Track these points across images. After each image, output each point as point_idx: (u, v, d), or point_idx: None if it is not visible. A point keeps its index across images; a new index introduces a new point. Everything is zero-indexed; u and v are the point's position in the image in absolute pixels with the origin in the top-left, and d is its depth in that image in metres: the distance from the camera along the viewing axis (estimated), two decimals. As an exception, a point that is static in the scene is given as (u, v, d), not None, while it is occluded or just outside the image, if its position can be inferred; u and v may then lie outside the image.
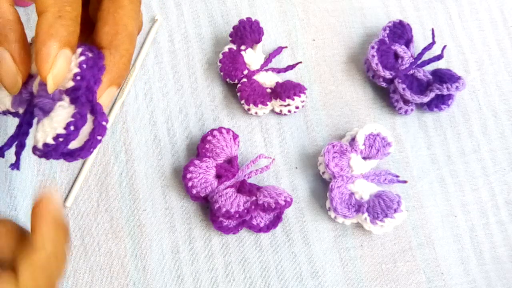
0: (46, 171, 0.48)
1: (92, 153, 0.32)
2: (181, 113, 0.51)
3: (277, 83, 0.50)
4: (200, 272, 0.46)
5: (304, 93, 0.50)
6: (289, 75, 0.52)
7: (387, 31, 0.52)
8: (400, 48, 0.51)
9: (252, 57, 0.51)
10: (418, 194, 0.49)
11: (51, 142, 0.29)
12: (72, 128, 0.29)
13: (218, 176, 0.47)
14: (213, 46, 0.53)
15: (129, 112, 0.50)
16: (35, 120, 0.31)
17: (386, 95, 0.52)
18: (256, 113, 0.50)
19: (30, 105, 0.31)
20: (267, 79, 0.51)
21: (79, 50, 0.30)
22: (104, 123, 0.30)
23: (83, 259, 0.46)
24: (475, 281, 0.47)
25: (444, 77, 0.50)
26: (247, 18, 0.51)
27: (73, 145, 0.30)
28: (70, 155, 0.30)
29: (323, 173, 0.48)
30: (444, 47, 0.52)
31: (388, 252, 0.48)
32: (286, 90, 0.49)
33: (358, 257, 0.47)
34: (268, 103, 0.49)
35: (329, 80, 0.53)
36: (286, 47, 0.53)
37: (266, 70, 0.51)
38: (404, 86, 0.50)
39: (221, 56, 0.51)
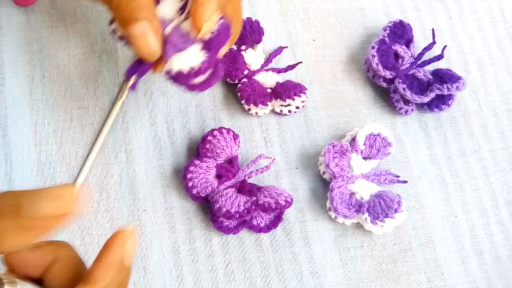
0: (46, 172, 0.48)
1: (209, 88, 0.40)
2: (181, 113, 0.51)
3: (277, 83, 0.50)
4: (200, 272, 0.46)
5: (305, 93, 0.50)
6: (289, 75, 0.52)
7: (388, 31, 0.52)
8: (400, 48, 0.51)
9: (253, 57, 0.51)
10: (419, 194, 0.49)
11: (185, 71, 0.38)
12: (204, 66, 0.38)
13: (219, 176, 0.47)
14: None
15: (129, 112, 0.50)
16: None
17: (387, 95, 0.52)
18: (256, 113, 0.50)
19: (164, 40, 0.38)
20: (268, 79, 0.51)
21: (219, 16, 0.39)
22: (221, 70, 0.39)
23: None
24: (476, 281, 0.47)
25: (445, 77, 0.50)
26: (247, 18, 0.51)
27: (197, 80, 0.38)
28: (193, 86, 0.39)
29: (324, 173, 0.48)
30: (445, 47, 0.52)
31: (388, 252, 0.48)
32: (287, 90, 0.49)
33: (359, 257, 0.47)
34: (268, 103, 0.49)
35: (330, 80, 0.53)
36: (286, 47, 0.53)
37: (267, 70, 0.51)
38: (404, 86, 0.50)
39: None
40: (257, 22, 0.51)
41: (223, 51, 0.40)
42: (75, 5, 0.53)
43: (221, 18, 0.38)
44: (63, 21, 0.53)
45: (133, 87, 0.40)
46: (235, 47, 0.51)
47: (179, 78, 0.38)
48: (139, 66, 0.39)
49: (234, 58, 0.50)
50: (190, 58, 0.38)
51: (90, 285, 0.28)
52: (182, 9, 0.39)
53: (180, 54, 0.38)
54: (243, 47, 0.51)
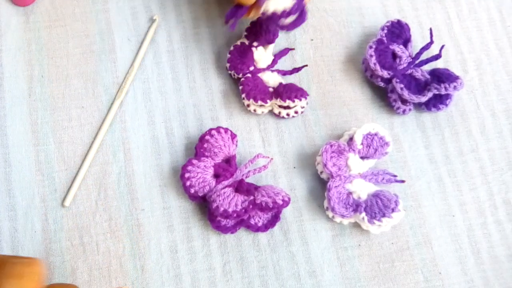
0: (45, 171, 0.48)
1: (295, 28, 0.48)
2: (179, 113, 0.51)
3: (280, 83, 0.51)
4: (198, 271, 0.46)
5: (306, 98, 0.49)
6: (288, 75, 0.52)
7: (385, 31, 0.52)
8: (398, 48, 0.51)
9: (262, 55, 0.51)
10: (416, 194, 0.50)
11: (278, 12, 0.45)
12: (294, 8, 0.45)
13: (216, 176, 0.47)
14: (211, 45, 0.53)
15: (127, 112, 0.51)
16: None
17: (384, 95, 0.52)
18: (254, 110, 0.50)
19: None
20: (271, 79, 0.51)
21: None
22: (306, 13, 0.47)
23: (81, 259, 0.46)
24: (473, 280, 0.47)
25: (442, 77, 0.50)
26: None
27: (287, 21, 0.46)
28: (285, 26, 0.46)
29: (321, 172, 0.49)
30: (442, 46, 0.52)
31: (386, 251, 0.48)
32: (288, 91, 0.49)
33: (356, 257, 0.47)
34: (268, 101, 0.49)
35: (327, 79, 0.53)
36: (293, 49, 0.53)
37: (272, 71, 0.51)
38: (402, 85, 0.50)
39: (232, 48, 0.51)
40: None
41: None
42: (74, 5, 0.54)
43: None
44: (62, 21, 0.53)
45: (233, 27, 0.46)
46: (247, 42, 0.51)
47: (273, 18, 0.45)
48: (237, 10, 0.46)
49: (244, 52, 0.50)
50: (282, 1, 0.45)
51: None
52: None
53: None
54: (255, 44, 0.51)
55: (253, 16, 0.47)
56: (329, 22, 0.55)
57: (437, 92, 0.49)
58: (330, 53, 0.54)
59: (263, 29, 0.50)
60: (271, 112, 0.51)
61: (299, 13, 0.46)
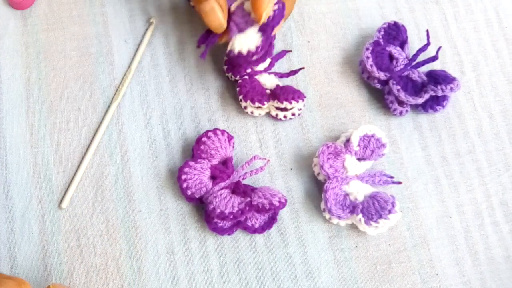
0: (42, 173, 0.48)
1: (259, 64, 0.48)
2: (176, 115, 0.51)
3: (277, 85, 0.51)
4: (195, 273, 0.46)
5: (303, 100, 0.50)
6: (285, 77, 0.52)
7: (382, 33, 0.52)
8: (394, 50, 0.51)
9: None
10: (413, 195, 0.49)
11: (244, 53, 0.45)
12: (259, 49, 0.45)
13: (213, 177, 0.47)
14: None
15: (124, 114, 0.51)
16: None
17: (381, 97, 0.52)
18: (252, 112, 0.50)
19: (229, 18, 0.46)
20: (268, 81, 0.51)
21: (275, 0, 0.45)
22: (272, 48, 0.49)
23: (78, 260, 0.46)
24: (470, 282, 0.47)
25: (439, 78, 0.50)
26: None
27: (253, 58, 0.46)
28: (251, 62, 0.46)
29: (318, 174, 0.49)
30: (439, 48, 0.52)
31: (382, 253, 0.48)
32: (285, 93, 0.49)
33: (353, 258, 0.47)
34: (265, 102, 0.49)
35: (324, 81, 0.53)
36: (290, 51, 0.53)
37: (269, 73, 0.51)
38: (398, 87, 0.50)
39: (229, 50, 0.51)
40: None
41: (277, 29, 0.46)
42: (72, 8, 0.54)
43: (277, 2, 0.45)
44: (59, 24, 0.53)
45: (203, 56, 0.47)
46: None
47: (239, 58, 0.45)
48: (208, 36, 0.47)
49: None
50: (249, 40, 0.45)
51: None
52: None
53: (240, 35, 0.45)
54: None
55: (225, 41, 0.47)
56: (326, 24, 0.55)
57: (434, 94, 0.50)
58: (327, 55, 0.54)
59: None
60: (268, 114, 0.51)
61: (266, 50, 0.46)
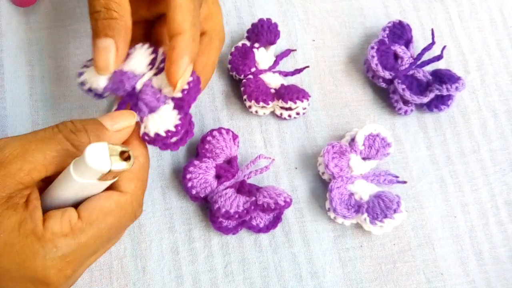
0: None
1: (180, 146, 0.41)
2: (180, 114, 0.51)
3: (282, 85, 0.51)
4: (199, 272, 0.46)
5: (307, 99, 0.49)
6: (290, 76, 0.52)
7: (387, 32, 0.52)
8: (399, 49, 0.51)
9: (263, 56, 0.51)
10: (418, 195, 0.49)
11: (162, 134, 0.39)
12: (179, 128, 0.39)
13: (218, 177, 0.47)
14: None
15: (128, 113, 0.50)
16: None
17: (386, 96, 0.52)
18: (256, 111, 0.50)
19: (136, 97, 0.39)
20: (273, 80, 0.51)
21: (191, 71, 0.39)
22: (193, 127, 0.41)
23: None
24: (475, 281, 0.47)
25: (444, 78, 0.50)
26: (266, 19, 0.51)
27: (173, 140, 0.40)
28: (170, 145, 0.40)
29: (323, 173, 0.48)
30: (444, 47, 0.52)
31: (387, 252, 0.48)
32: (290, 93, 0.49)
33: (358, 258, 0.47)
34: (270, 102, 0.49)
35: (329, 80, 0.53)
36: (295, 50, 0.53)
37: (274, 72, 0.51)
38: (403, 86, 0.50)
39: (233, 49, 0.51)
40: (276, 25, 0.51)
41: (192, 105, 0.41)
42: (75, 6, 0.53)
43: (191, 74, 0.39)
44: (62, 21, 0.53)
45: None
46: (248, 43, 0.51)
47: (157, 141, 0.39)
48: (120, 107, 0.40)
49: (245, 53, 0.50)
50: (165, 120, 0.39)
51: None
52: (152, 63, 0.40)
53: (153, 115, 0.39)
54: (256, 45, 0.51)
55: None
56: (330, 22, 0.55)
57: (438, 93, 0.49)
58: (331, 54, 0.54)
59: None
60: (272, 113, 0.51)
61: (185, 132, 0.41)
